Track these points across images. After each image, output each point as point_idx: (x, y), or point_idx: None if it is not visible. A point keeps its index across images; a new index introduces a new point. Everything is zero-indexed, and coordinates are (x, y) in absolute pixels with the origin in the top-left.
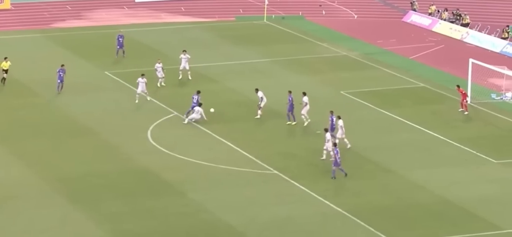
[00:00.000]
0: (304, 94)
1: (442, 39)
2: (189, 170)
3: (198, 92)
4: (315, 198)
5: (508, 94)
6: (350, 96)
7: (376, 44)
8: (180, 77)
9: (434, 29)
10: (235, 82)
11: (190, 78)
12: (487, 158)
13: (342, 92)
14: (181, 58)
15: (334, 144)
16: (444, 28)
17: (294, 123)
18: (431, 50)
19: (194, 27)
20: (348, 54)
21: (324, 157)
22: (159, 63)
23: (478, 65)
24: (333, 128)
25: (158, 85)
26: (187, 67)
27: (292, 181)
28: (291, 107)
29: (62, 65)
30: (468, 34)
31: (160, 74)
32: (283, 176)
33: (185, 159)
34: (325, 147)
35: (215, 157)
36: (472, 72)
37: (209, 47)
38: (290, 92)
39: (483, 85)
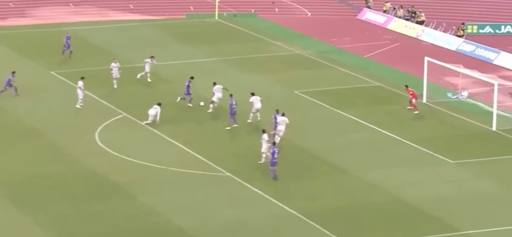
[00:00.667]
0: (253, 94)
1: (397, 37)
2: (138, 172)
3: (192, 78)
4: (268, 201)
5: (464, 93)
6: (304, 96)
7: (330, 42)
8: (139, 76)
9: (389, 27)
10: (185, 81)
11: (149, 80)
12: (443, 158)
13: (296, 91)
14: (146, 62)
15: (273, 143)
16: (399, 25)
17: (235, 125)
18: (386, 48)
19: (143, 25)
20: (302, 53)
21: (262, 161)
22: (115, 63)
23: (434, 63)
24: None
25: (115, 86)
26: (149, 71)
27: (245, 183)
28: (233, 111)
29: (13, 72)
30: (423, 32)
31: (115, 74)
32: (236, 178)
33: (134, 161)
34: (263, 150)
35: (166, 159)
36: (428, 70)
37: (159, 46)
38: (231, 95)
39: (439, 83)
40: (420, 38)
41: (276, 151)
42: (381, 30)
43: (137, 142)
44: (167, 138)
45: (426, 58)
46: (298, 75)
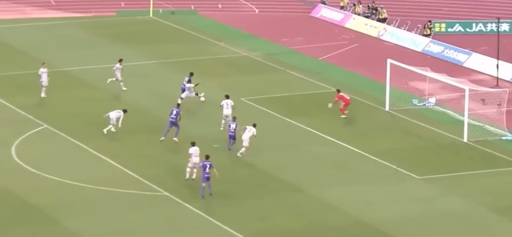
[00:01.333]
0: (227, 97)
1: (356, 36)
2: (62, 193)
3: (191, 74)
4: (212, 223)
5: (432, 100)
6: (252, 104)
7: (281, 43)
8: (109, 81)
9: (347, 25)
10: (115, 88)
11: (124, 89)
12: (409, 173)
13: (242, 99)
14: (115, 69)
15: (206, 157)
16: (359, 24)
17: (162, 138)
18: (343, 49)
19: (67, 24)
20: (249, 55)
21: (187, 176)
22: (44, 68)
23: (398, 66)
24: (230, 136)
25: (42, 95)
26: (120, 77)
27: (185, 204)
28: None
29: None
30: (385, 30)
31: (44, 81)
32: (174, 198)
33: (58, 180)
34: (190, 164)
35: (94, 177)
36: (391, 74)
37: (85, 47)
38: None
39: (403, 89)
40: (382, 37)
41: (208, 165)
42: (338, 29)
43: (60, 158)
44: (95, 152)
45: (389, 61)
46: (245, 80)
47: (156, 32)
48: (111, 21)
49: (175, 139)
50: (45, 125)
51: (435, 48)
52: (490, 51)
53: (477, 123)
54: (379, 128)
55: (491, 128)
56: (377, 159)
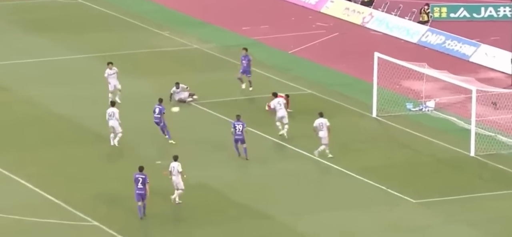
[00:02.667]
0: (275, 95)
1: (336, 24)
2: None
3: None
4: None
5: (430, 104)
6: (202, 108)
7: (240, 32)
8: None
9: (323, 10)
10: (32, 89)
11: (119, 101)
12: (402, 196)
13: (191, 102)
14: (107, 75)
15: (140, 169)
16: (338, 8)
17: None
18: (319, 40)
19: None
20: (200, 47)
21: (175, 196)
22: None
23: (387, 61)
24: (236, 140)
25: None
26: (119, 86)
27: (120, 236)
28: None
29: None
30: (371, 17)
31: None
32: (106, 229)
33: None
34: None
35: (2, 203)
36: (379, 71)
37: None
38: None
39: (394, 90)
40: (367, 25)
41: (140, 179)
42: (313, 15)
43: None
44: (3, 171)
45: (376, 54)
46: (195, 78)
47: (81, 18)
48: (24, 4)
49: (171, 141)
50: None
51: (434, 38)
52: (502, 41)
53: (487, 133)
54: (365, 139)
55: (504, 139)
56: (361, 178)
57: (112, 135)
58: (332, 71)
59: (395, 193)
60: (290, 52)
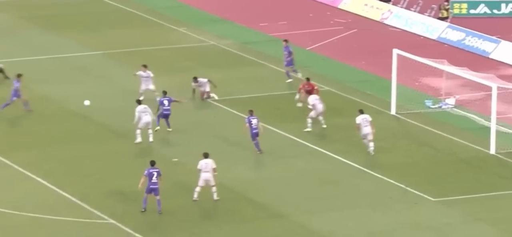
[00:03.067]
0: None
1: (354, 20)
2: None
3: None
4: None
5: (450, 101)
6: (221, 106)
7: (258, 28)
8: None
9: (341, 6)
10: (49, 86)
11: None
12: (421, 194)
13: (208, 100)
14: (140, 75)
15: (152, 163)
16: (356, 4)
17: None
18: (338, 36)
19: None
20: (217, 44)
21: (195, 196)
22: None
23: (406, 58)
24: (254, 135)
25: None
26: (152, 87)
27: (137, 234)
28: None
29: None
30: (391, 13)
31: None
32: (122, 227)
33: None
34: (200, 182)
35: (19, 200)
36: (398, 68)
37: (7, 34)
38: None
39: (413, 87)
40: (386, 22)
41: (154, 173)
42: (331, 11)
43: None
44: (19, 168)
45: (395, 51)
46: (213, 75)
47: (99, 15)
48: (40, 1)
49: (169, 129)
50: None
51: (453, 35)
52: None
53: (507, 131)
54: (384, 137)
55: None
56: (380, 176)
57: (138, 131)
58: (351, 68)
59: (414, 191)
60: (308, 48)
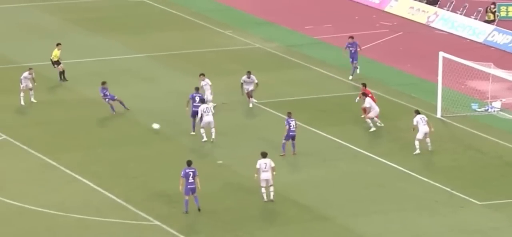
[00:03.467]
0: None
1: (400, 23)
2: (25, 221)
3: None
4: None
5: (496, 104)
6: (265, 108)
7: (303, 31)
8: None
9: (387, 9)
10: (95, 88)
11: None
12: (467, 198)
13: (254, 100)
14: (202, 86)
15: (188, 163)
16: (402, 7)
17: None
18: (383, 39)
19: (31, 7)
20: (263, 47)
21: (265, 198)
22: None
23: (452, 61)
24: (290, 136)
25: (31, 99)
26: (210, 96)
27: (181, 236)
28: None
29: (103, 83)
30: (437, 16)
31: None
32: (168, 228)
33: (19, 206)
34: (262, 183)
35: (64, 202)
36: (444, 71)
37: (54, 36)
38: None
39: (459, 90)
40: (432, 24)
41: (191, 173)
42: (377, 14)
43: (22, 178)
44: (66, 170)
45: (441, 54)
46: (257, 78)
47: (144, 17)
48: (87, 4)
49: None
50: (3, 136)
51: (500, 38)
52: None
53: None
54: (429, 140)
55: None
56: (426, 179)
57: (202, 130)
58: (396, 71)
59: (460, 195)
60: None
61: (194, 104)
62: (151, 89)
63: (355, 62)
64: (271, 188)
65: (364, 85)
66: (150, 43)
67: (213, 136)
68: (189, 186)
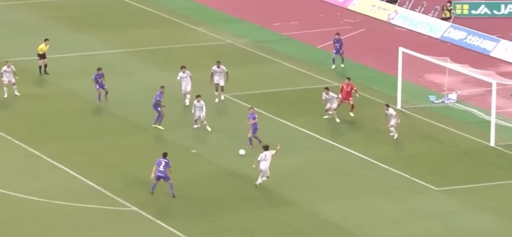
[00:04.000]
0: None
1: (362, 20)
2: (9, 208)
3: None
4: None
5: (452, 96)
6: (236, 100)
7: (272, 27)
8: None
9: (350, 7)
10: (76, 82)
11: (187, 103)
12: (425, 184)
13: (225, 94)
14: (180, 78)
15: (164, 155)
16: (364, 5)
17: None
18: (347, 35)
19: (14, 5)
20: (234, 42)
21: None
22: (8, 66)
23: (411, 55)
24: (255, 129)
25: (15, 93)
26: (189, 88)
27: (158, 221)
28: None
29: (99, 69)
30: (396, 13)
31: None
32: (144, 214)
33: (3, 193)
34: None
35: (47, 189)
36: (403, 65)
37: (36, 33)
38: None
39: (418, 83)
40: (392, 22)
41: (163, 162)
42: (340, 11)
43: (6, 166)
44: (48, 159)
45: (401, 49)
46: (229, 72)
47: (123, 15)
48: (68, 2)
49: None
50: None
51: (456, 34)
52: None
53: (506, 124)
54: (389, 130)
55: None
56: (386, 167)
57: (197, 125)
58: (359, 65)
59: (419, 181)
60: (318, 47)
61: (157, 99)
62: (128, 82)
63: (339, 54)
64: (265, 178)
65: (348, 79)
66: (128, 40)
67: (208, 127)
68: (158, 173)
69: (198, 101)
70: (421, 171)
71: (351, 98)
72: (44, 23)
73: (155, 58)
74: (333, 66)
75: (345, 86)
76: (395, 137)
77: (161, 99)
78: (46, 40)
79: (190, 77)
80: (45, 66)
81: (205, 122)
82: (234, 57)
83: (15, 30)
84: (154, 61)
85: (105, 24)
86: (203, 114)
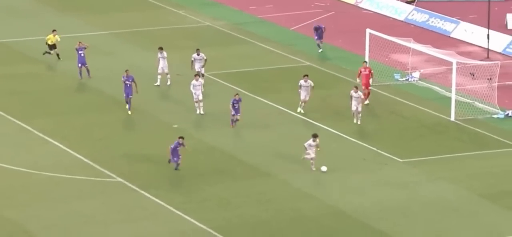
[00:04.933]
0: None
1: (332, 4)
2: (2, 179)
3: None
4: (172, 213)
5: (415, 74)
6: (215, 79)
7: (248, 10)
8: (158, 83)
9: None
10: (64, 61)
11: (169, 83)
12: (391, 156)
13: (204, 73)
14: (158, 58)
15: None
16: None
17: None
18: (317, 18)
19: None
20: (212, 25)
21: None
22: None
23: (377, 36)
24: (236, 111)
25: None
26: (166, 69)
27: (142, 191)
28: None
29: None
30: None
31: None
32: (129, 184)
33: None
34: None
35: (37, 162)
36: (370, 46)
37: (26, 16)
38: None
39: (384, 62)
40: (359, 5)
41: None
42: None
43: (0, 140)
44: (38, 134)
45: (368, 30)
46: (208, 53)
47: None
48: None
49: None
50: None
51: (419, 16)
52: (479, 19)
53: (465, 100)
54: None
55: (481, 106)
56: (354, 140)
57: (197, 104)
58: (328, 46)
59: (385, 153)
60: (291, 29)
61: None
62: (112, 62)
63: (321, 41)
64: (312, 161)
65: (365, 62)
66: (113, 22)
67: (202, 112)
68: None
69: (197, 80)
70: (387, 144)
71: (370, 87)
72: (34, 7)
73: (137, 39)
74: (320, 50)
75: (363, 70)
76: (359, 123)
77: (128, 82)
78: (54, 31)
79: (165, 57)
80: (57, 54)
81: (201, 104)
82: (212, 38)
83: (5, 13)
84: (136, 42)
85: (91, 8)
86: (200, 95)
